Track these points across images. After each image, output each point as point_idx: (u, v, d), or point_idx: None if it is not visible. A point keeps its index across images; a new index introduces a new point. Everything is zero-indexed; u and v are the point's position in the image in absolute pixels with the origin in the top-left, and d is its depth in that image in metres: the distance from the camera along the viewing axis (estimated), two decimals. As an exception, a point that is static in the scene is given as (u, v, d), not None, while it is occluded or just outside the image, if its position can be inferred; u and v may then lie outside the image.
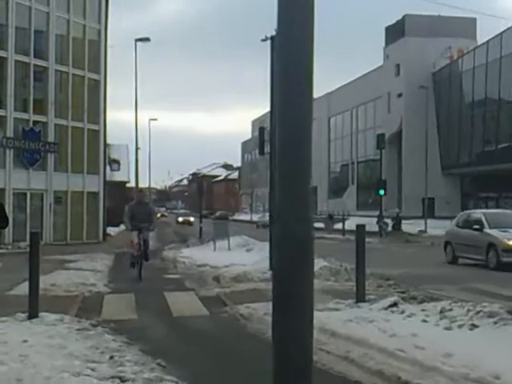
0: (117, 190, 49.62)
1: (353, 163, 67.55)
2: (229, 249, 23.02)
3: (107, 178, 35.96)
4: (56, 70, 31.76)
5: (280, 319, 3.01)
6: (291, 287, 2.98)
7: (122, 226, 52.52)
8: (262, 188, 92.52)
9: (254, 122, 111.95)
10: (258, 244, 22.77)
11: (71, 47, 32.45)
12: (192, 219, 69.76)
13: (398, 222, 40.72)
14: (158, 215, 78.52)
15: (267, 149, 17.78)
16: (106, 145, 34.62)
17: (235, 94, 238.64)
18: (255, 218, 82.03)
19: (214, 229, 25.24)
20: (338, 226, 42.83)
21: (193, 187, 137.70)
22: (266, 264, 15.64)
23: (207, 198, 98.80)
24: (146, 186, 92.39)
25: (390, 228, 39.76)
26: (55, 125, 31.68)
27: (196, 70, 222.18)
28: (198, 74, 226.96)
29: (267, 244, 17.16)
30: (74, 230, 32.36)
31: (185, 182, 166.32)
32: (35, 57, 30.68)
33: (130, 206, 15.13)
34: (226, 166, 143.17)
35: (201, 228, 33.69)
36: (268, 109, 17.03)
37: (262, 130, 19.08)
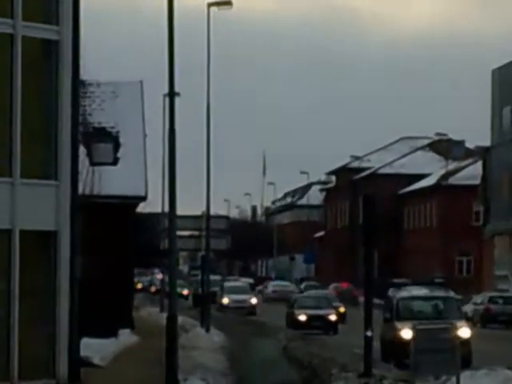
0: (112, 223, 36.59)
1: None
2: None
3: (83, 191, 29.75)
4: None
5: None
6: None
7: (124, 336, 33.55)
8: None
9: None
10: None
11: None
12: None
13: None
14: (251, 300, 60.41)
15: None
16: (78, 85, 24.69)
17: None
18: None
19: (415, 349, 21.15)
20: None
21: (340, 209, 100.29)
22: None
23: (390, 242, 68.80)
24: (200, 210, 51.26)
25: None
26: None
27: None
28: None
29: None
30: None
31: (314, 195, 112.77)
32: None
33: None
34: (438, 147, 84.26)
35: (368, 342, 24.69)
36: None
37: None
